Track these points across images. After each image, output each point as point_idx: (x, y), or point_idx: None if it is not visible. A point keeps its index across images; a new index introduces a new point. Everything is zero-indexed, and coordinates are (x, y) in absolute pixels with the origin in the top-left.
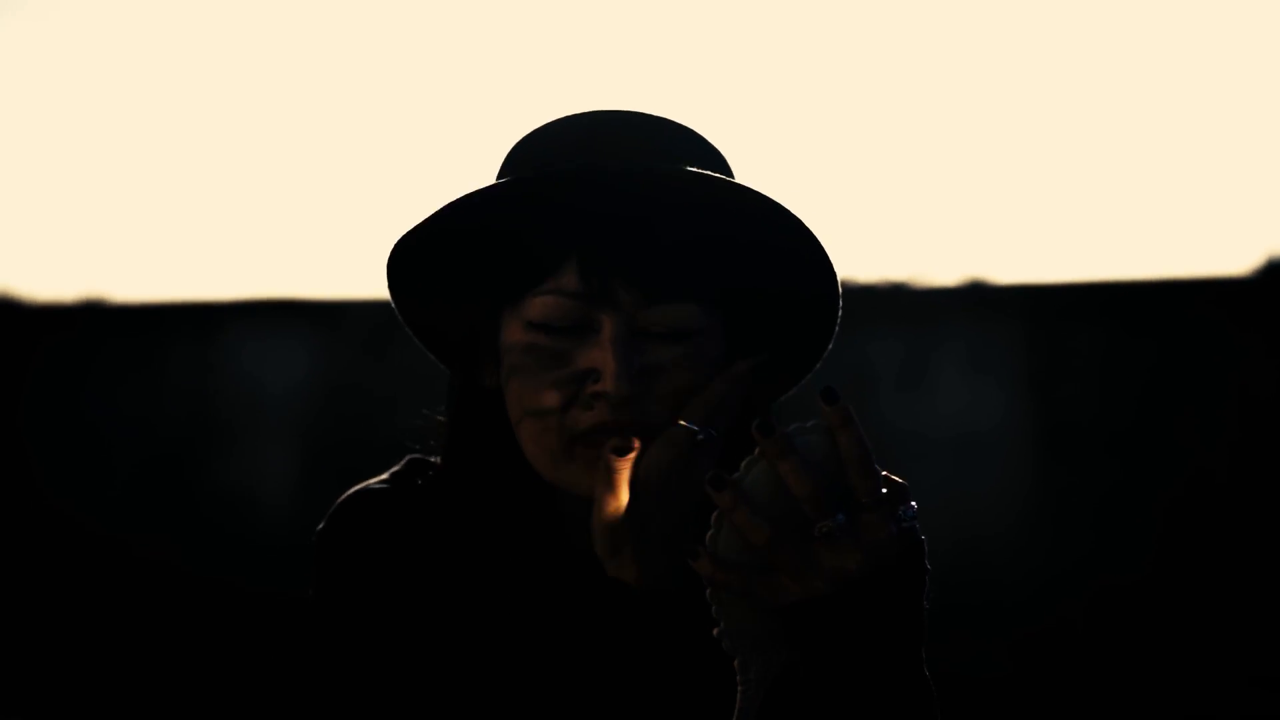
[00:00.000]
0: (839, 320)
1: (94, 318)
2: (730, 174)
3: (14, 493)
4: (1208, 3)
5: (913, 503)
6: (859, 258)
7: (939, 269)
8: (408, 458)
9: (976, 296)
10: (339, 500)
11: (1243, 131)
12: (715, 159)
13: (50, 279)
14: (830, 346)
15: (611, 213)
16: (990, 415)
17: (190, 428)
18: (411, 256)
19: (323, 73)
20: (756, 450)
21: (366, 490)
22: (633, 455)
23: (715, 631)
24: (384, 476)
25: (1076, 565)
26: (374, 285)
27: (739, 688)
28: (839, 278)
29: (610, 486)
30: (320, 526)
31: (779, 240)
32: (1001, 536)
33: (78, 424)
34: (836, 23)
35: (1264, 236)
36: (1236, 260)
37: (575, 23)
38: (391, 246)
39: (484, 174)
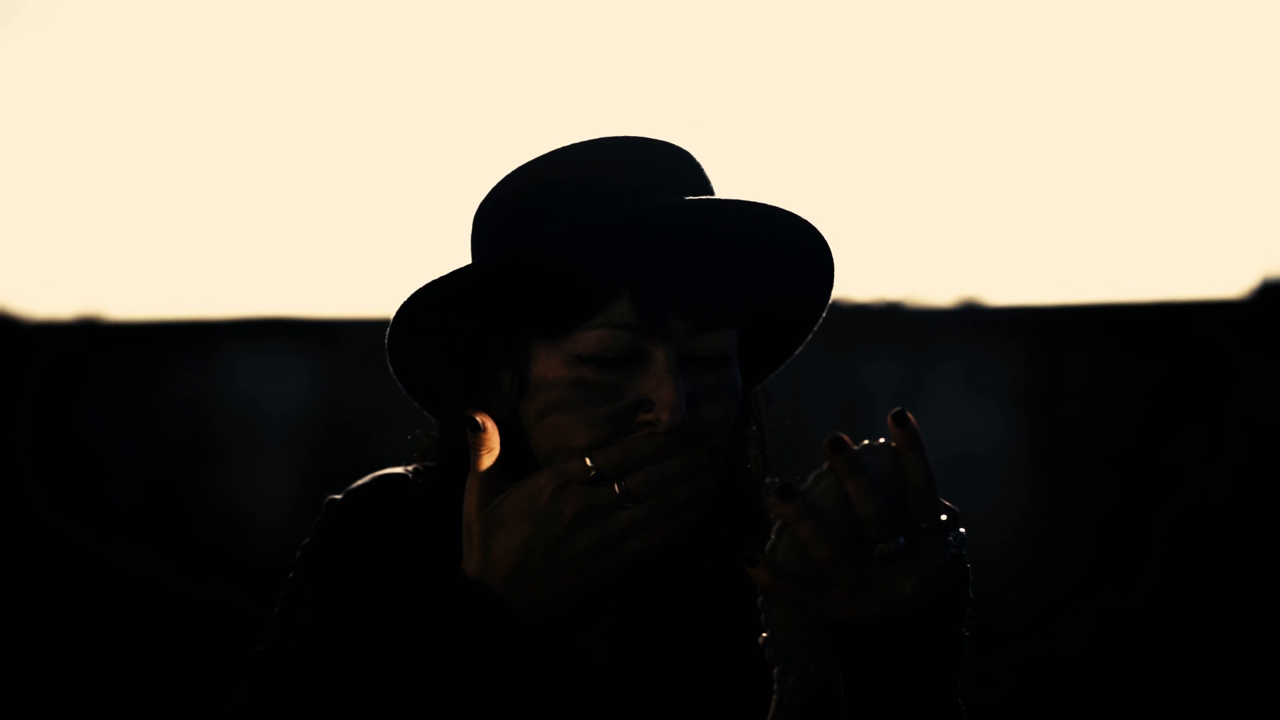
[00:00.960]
0: (828, 304)
1: (91, 335)
2: (712, 191)
3: (11, 509)
4: (1201, 28)
5: (961, 529)
6: (855, 278)
7: (935, 289)
8: (383, 471)
9: (972, 317)
10: (362, 480)
11: (1238, 154)
12: (706, 177)
13: (47, 296)
14: (814, 329)
15: (663, 246)
16: (986, 436)
17: (187, 445)
18: (426, 299)
19: (319, 93)
20: (825, 465)
21: (391, 474)
22: (483, 436)
23: (760, 639)
24: (412, 466)
25: (1074, 586)
26: (370, 305)
27: (774, 696)
28: (831, 291)
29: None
30: (335, 496)
31: (798, 258)
32: (999, 556)
33: (74, 440)
34: (833, 42)
35: (1259, 258)
36: (1232, 282)
37: (563, 48)
38: (408, 298)
39: (477, 195)
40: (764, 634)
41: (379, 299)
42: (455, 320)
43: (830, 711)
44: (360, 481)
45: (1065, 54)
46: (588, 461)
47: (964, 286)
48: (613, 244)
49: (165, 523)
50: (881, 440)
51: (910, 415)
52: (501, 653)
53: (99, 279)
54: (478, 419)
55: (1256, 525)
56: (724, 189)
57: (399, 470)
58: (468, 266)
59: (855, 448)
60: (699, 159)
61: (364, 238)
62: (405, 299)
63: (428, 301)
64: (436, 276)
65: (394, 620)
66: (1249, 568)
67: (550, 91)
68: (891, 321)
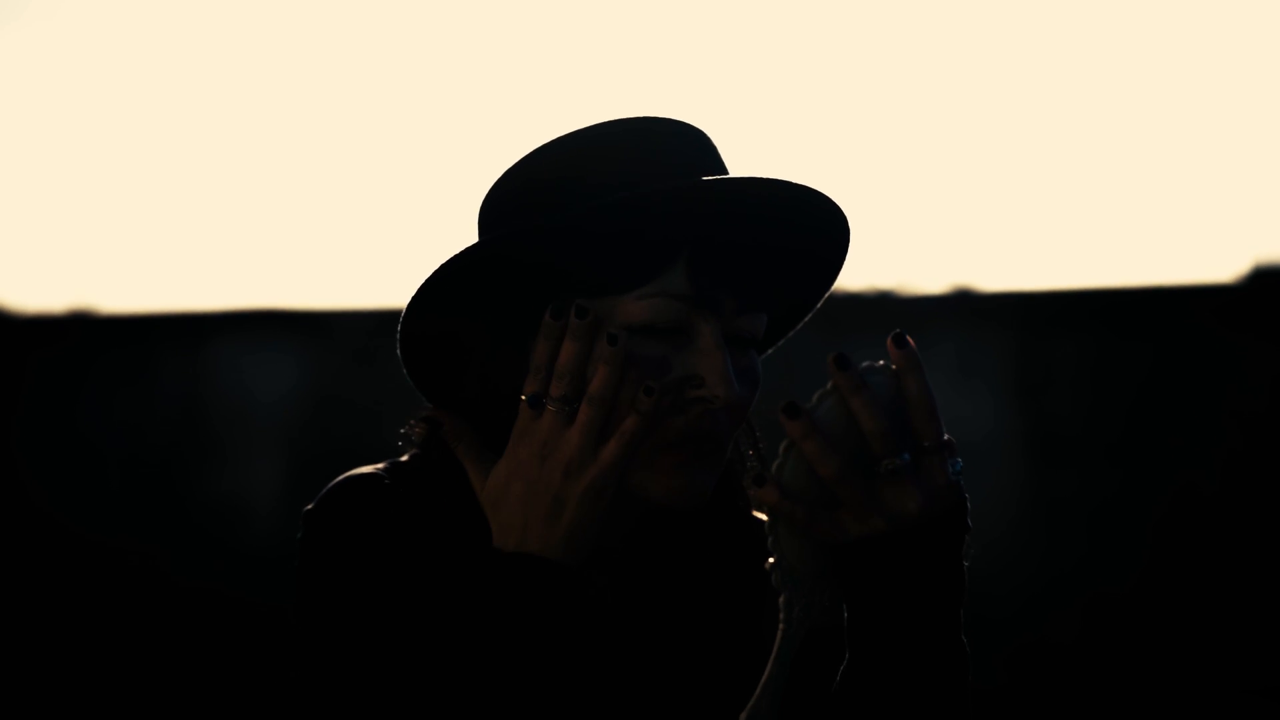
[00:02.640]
0: (830, 289)
1: (83, 328)
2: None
3: (4, 501)
4: (1194, 14)
5: (959, 459)
6: (846, 265)
7: (926, 276)
8: (410, 453)
9: (964, 304)
10: (330, 484)
11: (1230, 138)
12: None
13: (40, 290)
14: (805, 320)
15: (724, 219)
16: (979, 423)
17: (180, 437)
18: (464, 265)
19: (311, 85)
20: (829, 384)
21: (358, 475)
22: (446, 431)
23: (768, 564)
24: (378, 465)
25: (1067, 574)
26: (363, 295)
27: (780, 625)
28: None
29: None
30: (309, 507)
31: (824, 250)
32: (993, 545)
33: (67, 433)
34: (825, 31)
35: (1252, 243)
36: (1225, 267)
37: (557, 40)
38: (456, 255)
39: (472, 186)
40: (770, 559)
41: (371, 290)
42: (493, 290)
43: (830, 664)
44: (329, 487)
45: (1055, 40)
46: (522, 397)
47: (955, 273)
48: (676, 213)
49: (158, 514)
50: (881, 363)
51: (909, 337)
52: (556, 607)
53: (91, 272)
54: (437, 418)
55: (1250, 513)
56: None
57: (365, 470)
58: (517, 229)
59: (858, 366)
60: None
61: (356, 229)
62: (440, 265)
63: (465, 269)
64: (479, 241)
65: (432, 609)
66: (1242, 557)
67: (542, 81)
68: (883, 309)
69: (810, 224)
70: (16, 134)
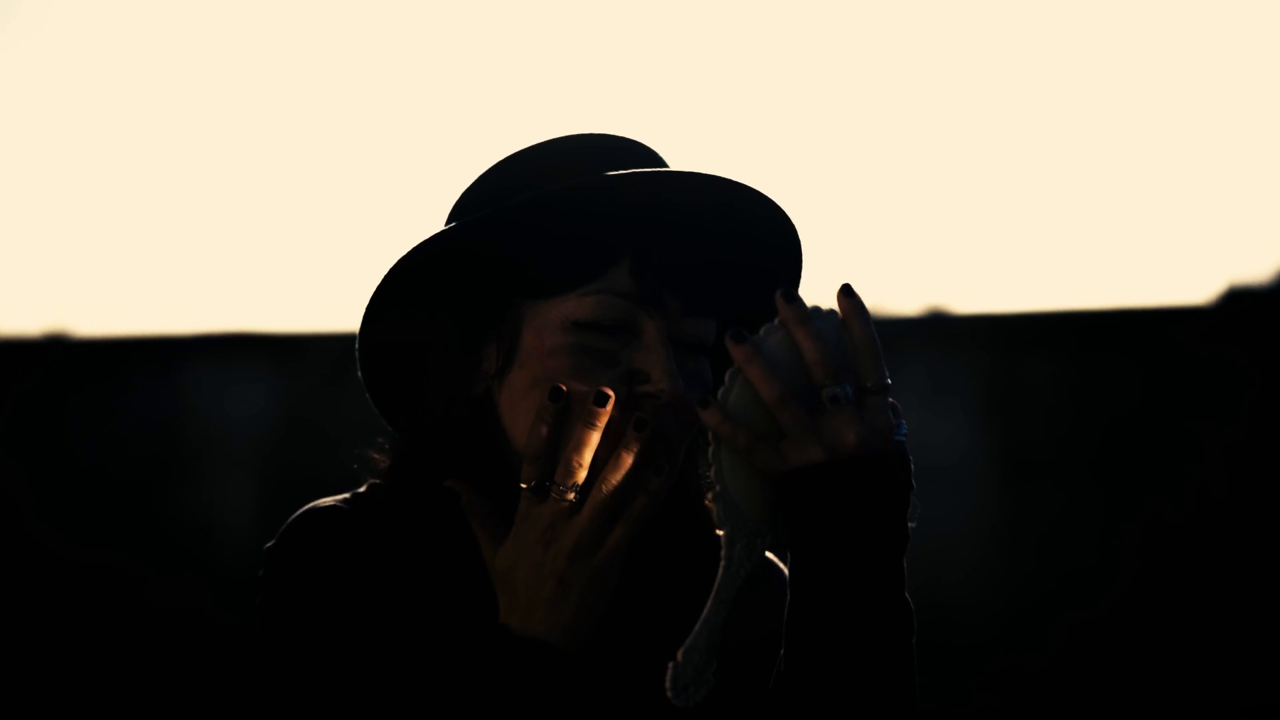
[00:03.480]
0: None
1: (57, 352)
2: None
3: None
4: (1169, 43)
5: (904, 422)
6: (818, 287)
7: (900, 298)
8: (369, 482)
9: (938, 326)
10: (290, 518)
11: (1201, 161)
12: None
13: (15, 313)
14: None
15: (669, 219)
16: (952, 445)
17: (153, 460)
18: (414, 266)
19: (284, 111)
20: (776, 319)
21: (317, 508)
22: (466, 499)
23: (709, 496)
24: (338, 496)
25: (1041, 596)
26: (334, 319)
27: (721, 563)
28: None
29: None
30: (270, 544)
31: (776, 264)
32: (965, 565)
33: (42, 456)
34: (799, 55)
35: (1225, 265)
36: (1198, 289)
37: (528, 64)
38: (407, 253)
39: (443, 207)
40: (713, 490)
41: (342, 313)
42: (444, 287)
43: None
44: (289, 521)
45: (1030, 65)
46: (523, 485)
47: (929, 295)
48: (621, 209)
49: (132, 536)
50: (828, 309)
51: (851, 287)
52: (555, 694)
53: (66, 296)
54: (456, 488)
55: (1225, 534)
56: None
57: (326, 503)
58: (468, 221)
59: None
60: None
61: (327, 253)
62: (392, 265)
63: (416, 267)
64: (427, 237)
65: (393, 646)
66: (1218, 578)
67: (512, 108)
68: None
69: (756, 231)
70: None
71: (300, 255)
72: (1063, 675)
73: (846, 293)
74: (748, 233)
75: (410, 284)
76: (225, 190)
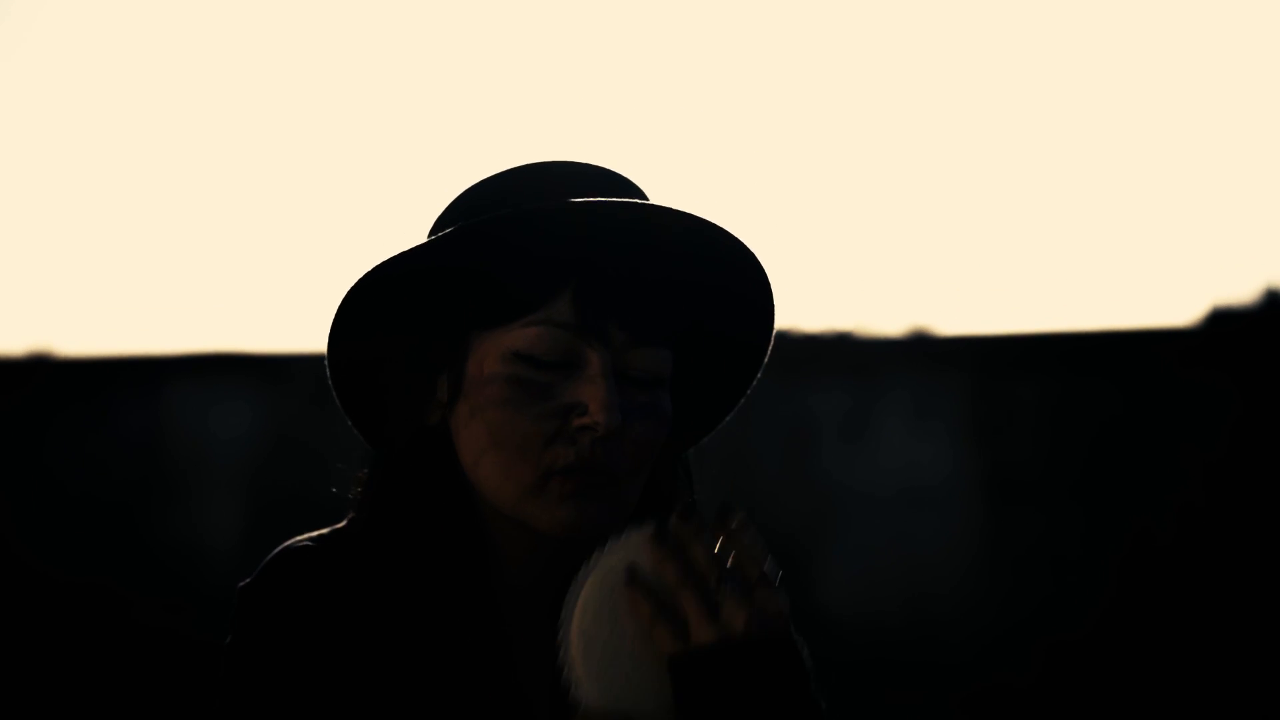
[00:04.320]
0: (763, 368)
1: (42, 371)
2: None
3: None
4: (1151, 64)
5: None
6: (803, 307)
7: (884, 319)
8: (350, 515)
9: (921, 347)
10: (267, 558)
11: (1185, 183)
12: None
13: None
14: (748, 393)
15: (610, 248)
16: (935, 466)
17: (136, 481)
18: (372, 291)
19: (268, 130)
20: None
21: (294, 549)
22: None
23: (570, 668)
24: (318, 533)
25: (1025, 619)
26: (319, 340)
27: None
28: (775, 328)
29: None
30: (245, 582)
31: (740, 288)
32: (948, 586)
33: (25, 476)
34: (780, 73)
35: (1209, 287)
36: (1181, 311)
37: (515, 81)
38: (360, 277)
39: (424, 225)
40: (579, 660)
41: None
42: (397, 312)
43: None
44: (264, 563)
45: (1016, 86)
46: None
47: (913, 316)
48: (560, 239)
49: (116, 558)
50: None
51: (738, 509)
52: None
53: (50, 316)
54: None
55: (1209, 556)
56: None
57: (303, 542)
58: (413, 249)
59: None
60: (648, 190)
61: (312, 273)
62: (348, 288)
63: (370, 289)
64: (376, 264)
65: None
66: (1202, 601)
67: (498, 128)
68: (840, 351)
69: (710, 260)
70: None
71: (286, 275)
72: (1044, 695)
73: (728, 513)
74: (702, 263)
75: (366, 306)
76: (210, 209)
